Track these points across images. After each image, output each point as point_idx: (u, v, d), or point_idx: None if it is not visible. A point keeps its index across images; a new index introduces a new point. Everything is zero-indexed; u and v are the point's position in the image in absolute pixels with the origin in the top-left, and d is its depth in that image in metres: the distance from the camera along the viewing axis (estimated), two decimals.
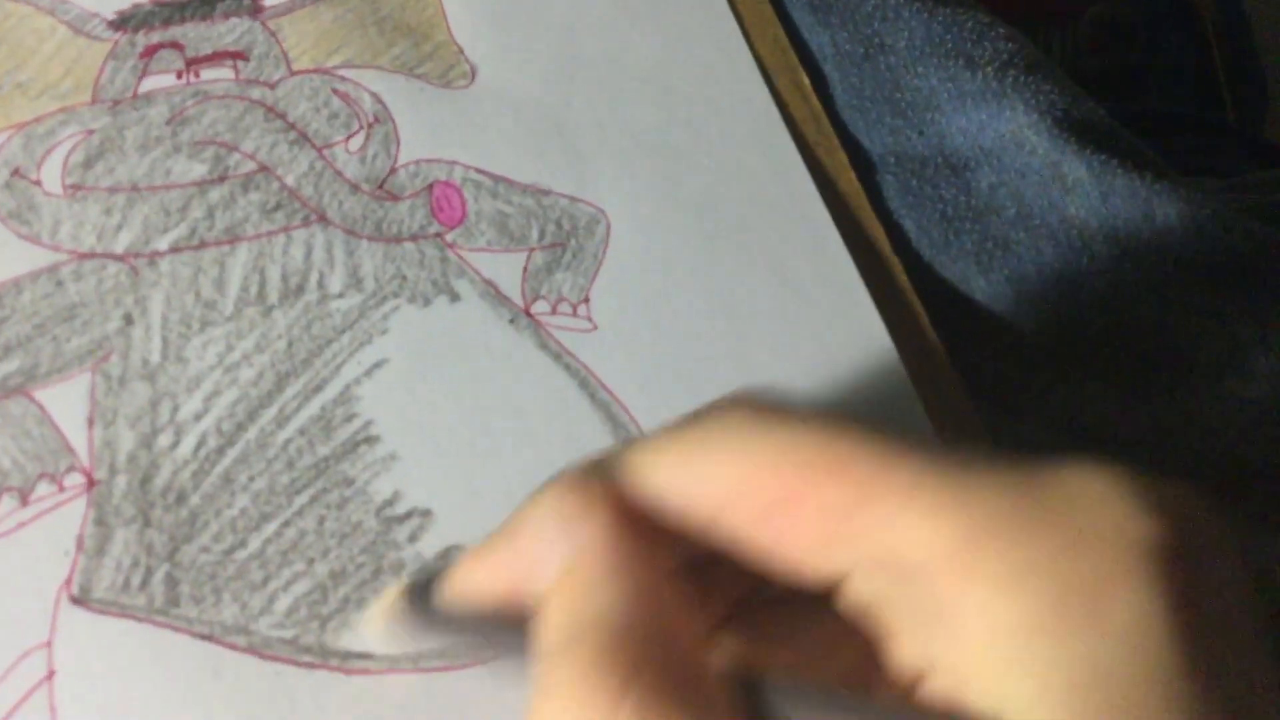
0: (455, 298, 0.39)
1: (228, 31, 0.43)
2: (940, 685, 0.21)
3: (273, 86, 0.42)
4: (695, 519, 0.24)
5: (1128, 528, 0.20)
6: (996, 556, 0.20)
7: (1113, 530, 0.20)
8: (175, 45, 0.42)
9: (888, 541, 0.21)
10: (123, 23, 0.42)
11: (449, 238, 0.40)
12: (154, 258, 0.38)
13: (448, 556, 0.32)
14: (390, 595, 0.30)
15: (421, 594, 0.29)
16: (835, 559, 0.22)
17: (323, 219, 0.40)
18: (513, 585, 0.26)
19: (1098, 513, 0.20)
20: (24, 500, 0.34)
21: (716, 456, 0.23)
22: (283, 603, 0.34)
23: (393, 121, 0.42)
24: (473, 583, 0.27)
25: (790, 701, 0.22)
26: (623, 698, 0.21)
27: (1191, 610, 0.19)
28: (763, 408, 0.24)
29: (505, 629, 0.26)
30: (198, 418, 0.36)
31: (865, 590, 0.23)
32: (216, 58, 0.42)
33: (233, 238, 0.39)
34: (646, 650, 0.22)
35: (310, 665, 0.33)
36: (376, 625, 0.30)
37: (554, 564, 0.24)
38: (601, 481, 0.25)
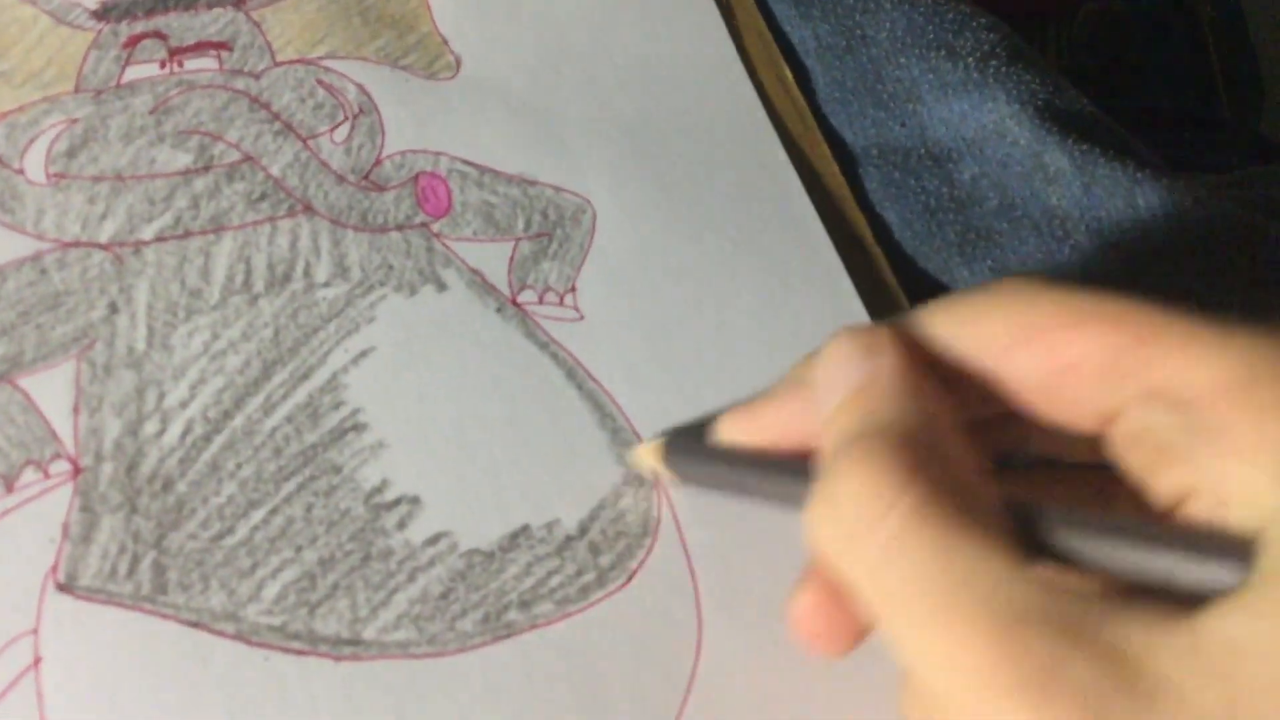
0: (442, 287, 0.39)
1: (211, 22, 0.43)
2: (1200, 507, 0.23)
3: (257, 77, 0.42)
4: (978, 368, 0.26)
5: None
6: (1271, 389, 0.22)
7: None
8: (158, 35, 0.42)
9: (1165, 375, 0.23)
10: (105, 12, 0.42)
11: (435, 228, 0.40)
12: (139, 246, 0.38)
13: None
14: (656, 442, 0.33)
15: (694, 436, 0.31)
16: (1110, 396, 0.24)
17: (308, 209, 0.40)
18: (795, 425, 0.28)
19: None
20: (9, 488, 0.34)
21: (998, 312, 0.25)
22: (271, 589, 0.33)
23: (378, 112, 0.42)
24: (755, 422, 0.29)
25: (1069, 528, 0.24)
26: (905, 490, 0.23)
27: None
28: (1038, 276, 0.26)
29: (782, 468, 0.27)
30: (184, 405, 0.36)
31: (1136, 423, 0.24)
32: (200, 48, 0.42)
33: (218, 227, 0.39)
34: (930, 458, 0.24)
35: (299, 652, 0.33)
36: (644, 464, 0.34)
37: (844, 388, 0.26)
38: (890, 328, 0.27)
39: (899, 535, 0.23)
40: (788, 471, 0.27)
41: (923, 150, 0.47)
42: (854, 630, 0.27)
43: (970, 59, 0.47)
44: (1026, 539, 0.24)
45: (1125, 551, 0.23)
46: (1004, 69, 0.46)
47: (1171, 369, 0.23)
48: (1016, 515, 0.24)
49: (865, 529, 0.23)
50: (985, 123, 0.46)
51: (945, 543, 0.23)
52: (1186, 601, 0.21)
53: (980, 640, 0.22)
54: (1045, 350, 0.25)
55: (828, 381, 0.26)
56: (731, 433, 0.30)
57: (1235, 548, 0.22)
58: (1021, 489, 0.28)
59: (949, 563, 0.22)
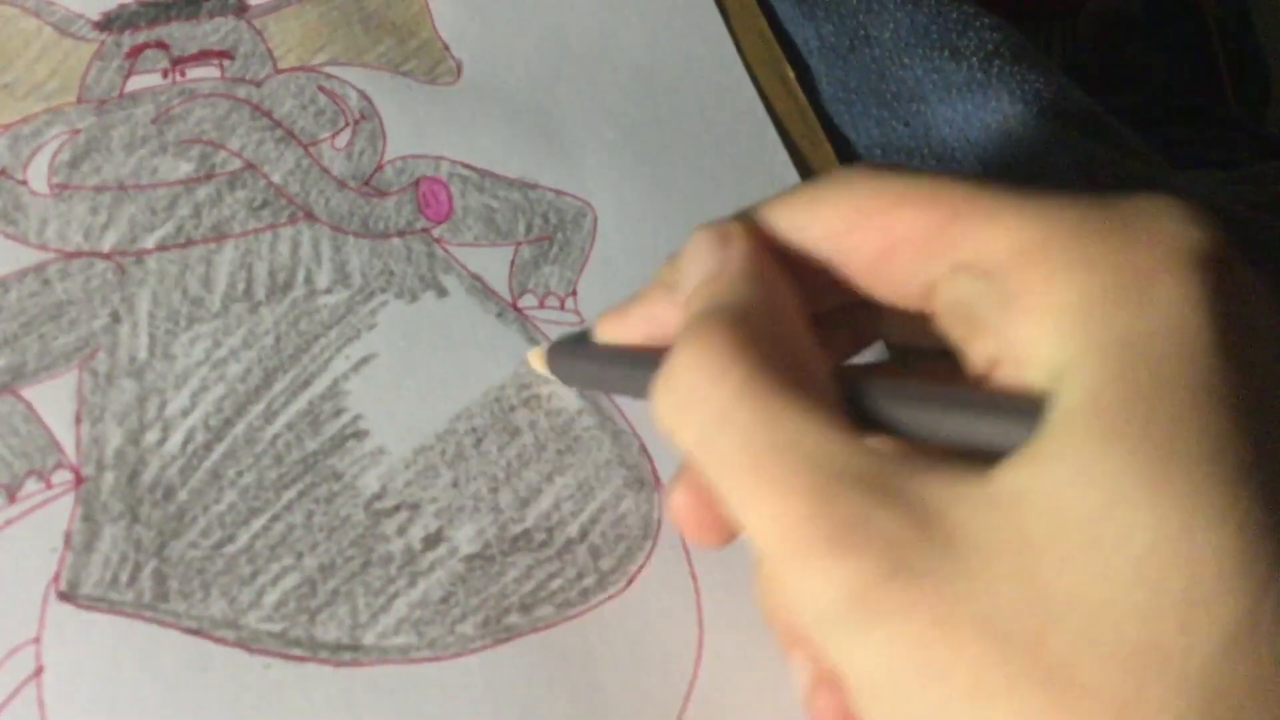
0: (442, 292, 0.39)
1: (213, 30, 0.43)
2: (1007, 371, 0.24)
3: (258, 84, 0.42)
4: (820, 253, 0.27)
5: (1179, 233, 0.23)
6: (1062, 249, 0.23)
7: (1166, 234, 0.23)
8: (161, 45, 0.42)
9: (970, 247, 0.24)
10: (108, 23, 0.42)
11: (436, 233, 0.40)
12: (141, 256, 0.38)
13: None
14: (541, 348, 0.36)
15: (574, 342, 0.34)
16: (928, 270, 0.26)
17: (309, 216, 0.40)
18: (662, 321, 0.30)
19: (1156, 222, 0.23)
20: (11, 497, 0.34)
21: (834, 198, 0.27)
22: (271, 596, 0.34)
23: (379, 118, 0.42)
24: (625, 320, 0.31)
25: (888, 398, 0.25)
26: (735, 362, 0.24)
27: (1226, 302, 0.22)
28: (876, 164, 0.27)
29: (651, 361, 0.28)
30: (185, 414, 0.36)
31: (950, 295, 0.25)
32: (202, 56, 0.42)
33: (219, 235, 0.39)
34: (763, 334, 0.25)
35: (299, 658, 0.33)
36: (538, 365, 0.36)
37: (698, 276, 0.27)
38: (745, 219, 0.28)
39: (728, 404, 0.24)
40: (655, 365, 0.28)
41: (926, 150, 0.47)
42: (727, 521, 0.28)
43: (974, 59, 0.47)
44: (854, 411, 0.25)
45: (935, 416, 0.24)
46: (1008, 69, 0.46)
47: (978, 240, 0.24)
48: (844, 387, 0.25)
49: (698, 400, 0.25)
50: (989, 123, 0.46)
51: (771, 410, 0.24)
52: (990, 459, 0.23)
53: (795, 498, 0.23)
54: (874, 231, 0.26)
55: (685, 272, 0.28)
56: (606, 332, 0.32)
57: (1029, 406, 0.23)
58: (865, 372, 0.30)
59: (773, 428, 0.23)
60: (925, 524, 0.22)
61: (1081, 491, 0.21)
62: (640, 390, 0.29)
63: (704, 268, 0.27)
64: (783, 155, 0.45)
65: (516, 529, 0.36)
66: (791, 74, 0.47)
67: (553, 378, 0.37)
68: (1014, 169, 0.46)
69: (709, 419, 0.24)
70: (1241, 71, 0.70)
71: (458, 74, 0.44)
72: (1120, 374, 0.22)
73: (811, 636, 0.23)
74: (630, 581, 0.35)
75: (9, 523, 0.34)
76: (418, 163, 0.42)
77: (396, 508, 0.35)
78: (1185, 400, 0.21)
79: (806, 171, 0.45)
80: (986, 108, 0.46)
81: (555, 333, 0.39)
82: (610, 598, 0.35)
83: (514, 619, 0.34)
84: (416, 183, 0.41)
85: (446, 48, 0.45)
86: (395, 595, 0.34)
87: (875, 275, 0.27)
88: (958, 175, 0.25)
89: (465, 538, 0.35)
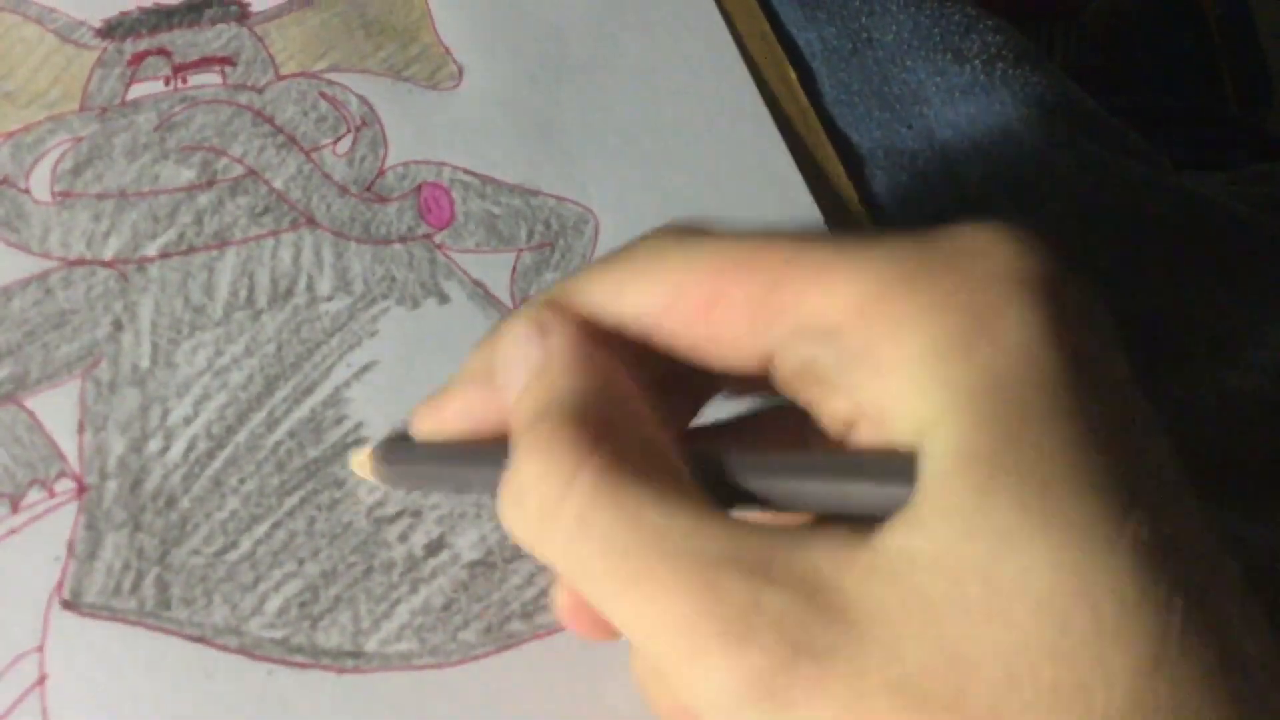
0: (444, 299, 0.39)
1: (215, 38, 0.43)
2: (866, 430, 0.23)
3: (260, 91, 0.42)
4: (643, 330, 0.26)
5: (1014, 265, 0.22)
6: (902, 299, 0.22)
7: (1001, 267, 0.22)
8: (163, 52, 0.42)
9: (805, 310, 0.23)
10: (110, 30, 0.42)
11: (438, 239, 0.41)
12: (143, 263, 0.38)
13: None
14: (366, 451, 0.32)
15: (398, 443, 0.30)
16: (763, 338, 0.24)
17: (311, 222, 0.40)
18: (481, 412, 0.28)
19: (987, 256, 0.23)
20: (14, 507, 0.34)
21: (645, 275, 0.26)
22: (274, 603, 0.34)
23: (380, 124, 0.42)
24: (441, 413, 0.29)
25: (750, 472, 0.24)
26: (583, 463, 0.23)
27: (1070, 327, 0.22)
28: (683, 230, 0.26)
29: (483, 457, 0.27)
30: (187, 422, 0.36)
31: (791, 360, 0.24)
32: (204, 63, 0.42)
33: (221, 242, 0.39)
34: (610, 424, 0.24)
35: (302, 665, 0.33)
36: (363, 471, 0.32)
37: (522, 371, 0.26)
38: (557, 303, 0.26)
39: (583, 509, 0.23)
40: (489, 460, 0.27)
41: (929, 153, 0.47)
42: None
43: (977, 61, 0.46)
44: (716, 489, 0.24)
45: (806, 485, 0.24)
46: (1011, 71, 0.46)
47: (813, 300, 0.23)
48: (701, 467, 0.24)
49: (551, 509, 0.23)
50: (992, 125, 0.46)
51: (630, 506, 0.23)
52: (868, 522, 0.22)
53: (678, 595, 0.22)
54: (693, 306, 0.25)
55: (505, 366, 0.26)
56: (423, 427, 0.29)
57: (899, 464, 0.22)
58: (719, 442, 0.28)
59: (636, 524, 0.22)
60: (817, 599, 0.21)
61: (970, 546, 0.20)
62: (486, 489, 0.27)
63: (527, 364, 0.26)
64: (786, 159, 0.45)
65: None
66: (794, 77, 0.47)
67: (381, 485, 0.33)
68: (1016, 170, 0.46)
69: (567, 531, 0.23)
70: (1241, 71, 0.70)
71: (459, 79, 0.44)
72: (985, 420, 0.21)
73: None
74: None
75: (12, 531, 0.34)
76: (419, 169, 0.42)
77: (398, 514, 0.35)
78: (1054, 435, 0.21)
79: (809, 174, 0.45)
80: (989, 110, 0.46)
81: None
82: None
83: (516, 626, 0.34)
84: (418, 189, 0.41)
85: (448, 53, 0.45)
86: (397, 602, 0.34)
87: (703, 348, 0.25)
88: (777, 236, 0.24)
89: (467, 544, 0.35)
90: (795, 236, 0.24)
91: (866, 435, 0.24)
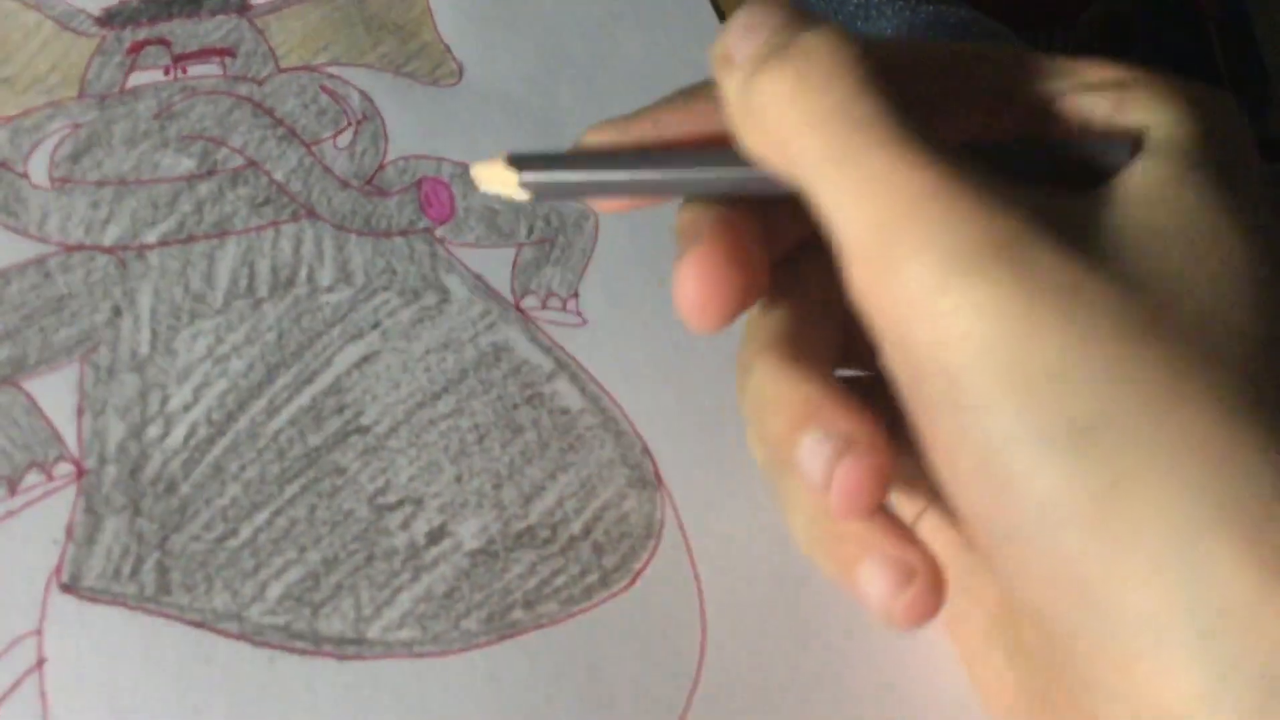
0: (444, 292, 0.39)
1: (215, 28, 0.43)
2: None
3: (260, 83, 0.42)
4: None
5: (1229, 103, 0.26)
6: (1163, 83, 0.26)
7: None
8: (162, 41, 0.42)
9: (1095, 72, 0.27)
10: (109, 19, 0.42)
11: (438, 233, 0.41)
12: (142, 250, 0.38)
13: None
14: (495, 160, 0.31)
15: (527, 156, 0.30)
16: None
17: (312, 214, 0.40)
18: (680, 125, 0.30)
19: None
20: (12, 490, 0.34)
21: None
22: (275, 590, 0.33)
23: (381, 118, 0.42)
24: (632, 125, 0.30)
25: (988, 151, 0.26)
26: (859, 59, 0.25)
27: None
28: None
29: (650, 159, 0.29)
30: (187, 408, 0.36)
31: (1070, 104, 0.27)
32: (204, 54, 0.42)
33: (221, 232, 0.39)
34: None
35: (303, 652, 0.33)
36: (489, 183, 0.31)
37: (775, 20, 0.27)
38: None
39: (858, 88, 0.25)
40: (663, 160, 0.28)
41: None
42: (739, 297, 0.28)
43: None
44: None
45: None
46: None
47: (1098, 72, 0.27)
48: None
49: (819, 87, 0.25)
50: None
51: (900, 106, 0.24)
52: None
53: (930, 167, 0.23)
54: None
55: (745, 31, 0.28)
56: (600, 139, 0.30)
57: (1128, 138, 0.26)
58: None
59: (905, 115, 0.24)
60: (1069, 205, 0.24)
61: (1186, 192, 0.24)
62: (650, 185, 0.28)
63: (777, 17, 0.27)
64: None
65: (520, 525, 0.35)
66: None
67: (503, 192, 0.31)
68: None
69: (843, 94, 0.24)
70: (1241, 74, 0.70)
71: (459, 75, 0.44)
72: (1204, 131, 0.25)
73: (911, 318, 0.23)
74: (634, 579, 0.35)
75: (10, 514, 0.33)
76: (419, 163, 0.42)
77: (400, 502, 0.35)
78: (1243, 149, 0.25)
79: None
80: None
81: (558, 334, 0.39)
82: (614, 595, 0.35)
83: (518, 615, 0.34)
84: (419, 183, 0.41)
85: (448, 49, 0.45)
86: (399, 589, 0.34)
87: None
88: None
89: (469, 533, 0.35)
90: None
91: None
